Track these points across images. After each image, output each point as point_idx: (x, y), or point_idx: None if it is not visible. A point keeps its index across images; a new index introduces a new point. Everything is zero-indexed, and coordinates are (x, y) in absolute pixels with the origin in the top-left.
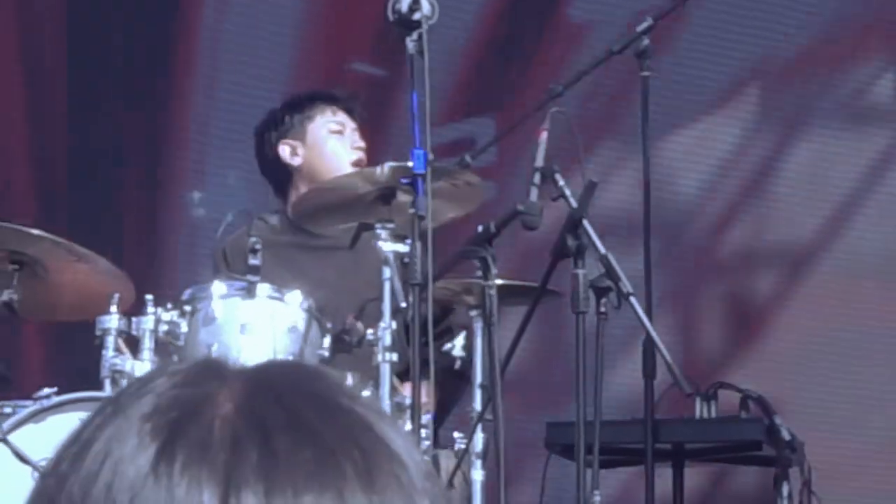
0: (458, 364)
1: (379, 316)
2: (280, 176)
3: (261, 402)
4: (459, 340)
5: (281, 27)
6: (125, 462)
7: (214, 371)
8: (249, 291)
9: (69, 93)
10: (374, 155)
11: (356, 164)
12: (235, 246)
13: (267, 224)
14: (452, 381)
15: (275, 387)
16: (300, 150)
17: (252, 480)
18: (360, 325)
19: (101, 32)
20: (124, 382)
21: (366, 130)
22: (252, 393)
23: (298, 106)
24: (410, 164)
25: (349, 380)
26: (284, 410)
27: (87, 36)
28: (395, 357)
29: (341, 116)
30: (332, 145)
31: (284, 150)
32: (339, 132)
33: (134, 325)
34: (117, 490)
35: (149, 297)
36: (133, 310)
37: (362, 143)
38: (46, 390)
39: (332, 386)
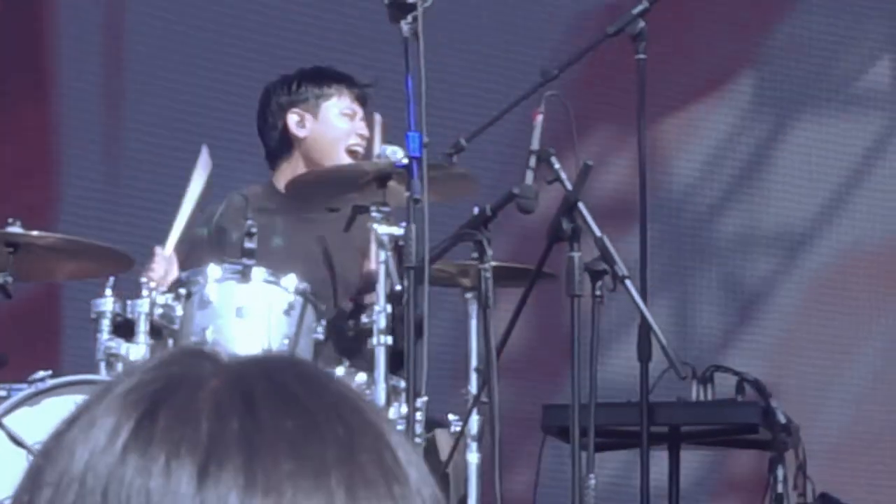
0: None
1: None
2: (279, 143)
3: (248, 376)
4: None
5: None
6: (108, 433)
7: (202, 353)
8: (245, 275)
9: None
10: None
11: (351, 151)
12: (228, 222)
13: (247, 195)
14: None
15: (264, 365)
16: (308, 123)
17: (233, 449)
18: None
19: None
20: (119, 365)
21: (370, 120)
22: (240, 369)
23: (317, 80)
24: (401, 156)
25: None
26: (271, 383)
27: None
28: (389, 340)
29: (355, 104)
30: (339, 128)
31: (292, 119)
32: (350, 117)
33: (129, 308)
34: (95, 463)
35: (143, 279)
36: (128, 293)
37: (366, 133)
38: (41, 373)
39: (320, 370)
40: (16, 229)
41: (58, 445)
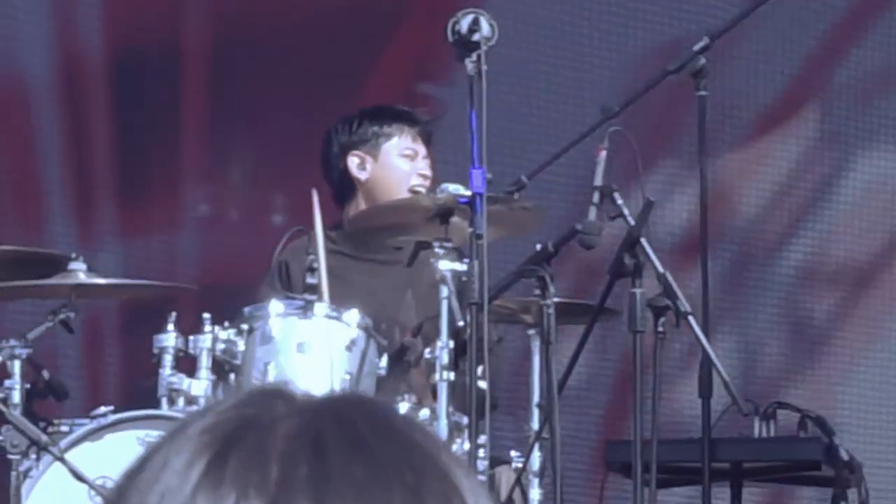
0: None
1: (436, 334)
2: (343, 185)
3: (319, 421)
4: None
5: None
6: (179, 473)
7: (278, 395)
8: (307, 310)
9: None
10: (436, 175)
11: (414, 191)
12: (292, 258)
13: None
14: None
15: (336, 408)
16: (369, 166)
17: (300, 494)
18: (418, 341)
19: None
20: (181, 400)
21: (433, 158)
22: (312, 413)
23: (378, 119)
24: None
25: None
26: (342, 429)
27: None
28: (452, 376)
29: (417, 143)
30: (400, 169)
31: (353, 162)
32: (411, 157)
33: (191, 344)
34: (170, 499)
35: (206, 315)
36: (190, 328)
37: (428, 173)
38: (103, 408)
39: (394, 413)
40: (78, 265)
41: (131, 485)
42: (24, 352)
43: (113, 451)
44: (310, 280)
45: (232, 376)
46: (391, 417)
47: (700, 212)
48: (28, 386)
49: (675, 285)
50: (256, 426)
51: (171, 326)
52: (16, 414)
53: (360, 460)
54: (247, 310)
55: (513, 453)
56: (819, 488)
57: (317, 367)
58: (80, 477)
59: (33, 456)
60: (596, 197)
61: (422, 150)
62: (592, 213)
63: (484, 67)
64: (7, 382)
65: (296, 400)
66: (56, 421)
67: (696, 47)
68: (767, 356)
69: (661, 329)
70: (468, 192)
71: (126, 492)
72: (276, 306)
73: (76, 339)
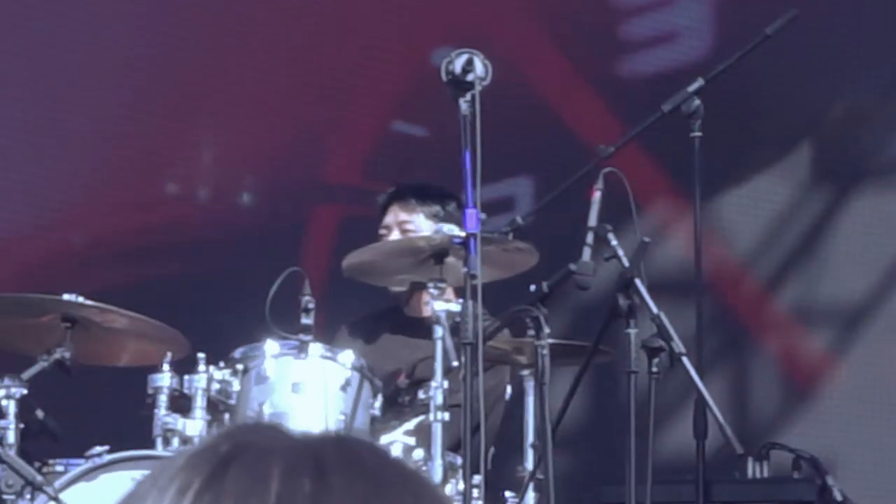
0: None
1: (430, 375)
2: None
3: (318, 444)
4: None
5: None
6: (173, 499)
7: (269, 425)
8: (302, 350)
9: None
10: None
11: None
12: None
13: (303, 273)
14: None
15: (333, 435)
16: None
17: None
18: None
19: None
20: (175, 441)
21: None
22: (309, 438)
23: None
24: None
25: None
26: (341, 451)
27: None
28: (447, 416)
29: (387, 216)
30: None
31: None
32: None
33: (186, 384)
34: None
35: (201, 355)
36: (185, 368)
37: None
38: (98, 448)
39: (389, 449)
40: (71, 297)
41: (132, 497)
42: (19, 391)
43: (107, 491)
44: (304, 320)
45: (227, 416)
46: (386, 450)
47: (695, 252)
48: (22, 426)
49: (669, 326)
50: (254, 447)
51: (166, 366)
52: (10, 454)
53: (361, 479)
54: (241, 350)
55: (507, 493)
56: None
57: (311, 407)
58: None
59: (28, 496)
60: (590, 237)
61: (390, 218)
62: (587, 254)
63: (478, 107)
64: (1, 422)
65: (287, 431)
66: (51, 461)
67: (691, 88)
68: (761, 396)
69: (655, 370)
70: (462, 233)
71: None
72: (271, 346)
73: (72, 376)
